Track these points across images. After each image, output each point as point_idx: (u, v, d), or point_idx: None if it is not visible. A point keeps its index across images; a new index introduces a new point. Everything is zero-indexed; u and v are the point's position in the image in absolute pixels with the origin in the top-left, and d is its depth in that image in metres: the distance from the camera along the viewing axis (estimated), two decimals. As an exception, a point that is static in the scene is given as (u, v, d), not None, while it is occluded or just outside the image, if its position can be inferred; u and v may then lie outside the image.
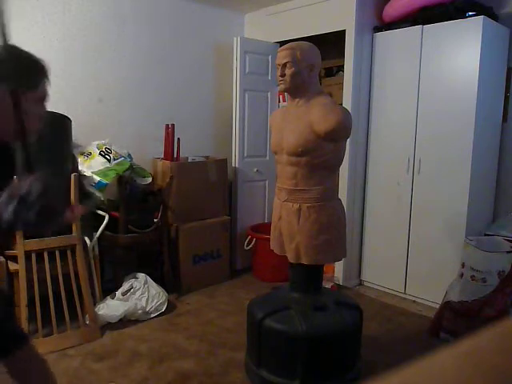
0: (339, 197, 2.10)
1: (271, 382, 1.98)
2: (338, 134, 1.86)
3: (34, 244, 2.40)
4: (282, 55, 1.93)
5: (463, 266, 2.51)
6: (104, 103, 3.08)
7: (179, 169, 3.20)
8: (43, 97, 1.14)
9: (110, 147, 2.87)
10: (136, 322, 2.69)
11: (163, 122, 3.26)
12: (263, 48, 3.65)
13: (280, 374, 1.97)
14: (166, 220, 3.12)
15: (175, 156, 3.26)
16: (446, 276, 2.76)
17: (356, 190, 3.29)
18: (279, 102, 4.07)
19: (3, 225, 0.99)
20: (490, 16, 2.69)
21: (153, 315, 2.76)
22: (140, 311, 2.71)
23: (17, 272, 2.37)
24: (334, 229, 1.98)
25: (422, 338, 2.55)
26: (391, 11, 3.05)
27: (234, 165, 3.64)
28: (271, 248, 2.16)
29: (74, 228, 2.53)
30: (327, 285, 3.06)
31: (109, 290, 2.78)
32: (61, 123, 2.48)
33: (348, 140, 2.02)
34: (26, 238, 2.37)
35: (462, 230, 2.77)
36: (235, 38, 3.53)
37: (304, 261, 1.97)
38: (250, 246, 3.48)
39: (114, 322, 2.61)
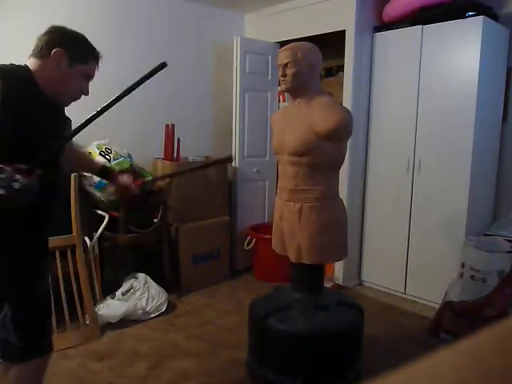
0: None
1: (273, 381, 1.98)
2: (338, 134, 1.85)
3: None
4: (283, 55, 1.93)
5: (463, 265, 2.51)
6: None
7: (179, 169, 3.20)
8: (89, 73, 1.46)
9: (109, 147, 2.87)
10: (136, 322, 2.69)
11: (163, 122, 3.26)
12: (263, 48, 3.65)
13: (282, 373, 1.97)
14: (166, 220, 3.12)
15: (175, 156, 3.27)
16: (446, 276, 2.76)
17: (356, 190, 3.29)
18: (279, 101, 4.08)
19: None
20: (489, 16, 2.69)
21: (153, 315, 2.76)
22: (140, 311, 2.71)
23: (17, 272, 2.37)
24: (336, 228, 1.97)
25: (422, 337, 2.55)
26: (391, 11, 3.05)
27: (234, 165, 3.64)
28: (273, 248, 2.16)
29: (73, 228, 2.53)
30: (328, 285, 3.06)
31: (109, 290, 2.78)
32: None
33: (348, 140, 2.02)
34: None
35: (462, 229, 2.77)
36: (235, 38, 3.53)
37: (305, 260, 1.97)
38: (250, 246, 3.48)
39: (113, 322, 2.61)
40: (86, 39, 1.47)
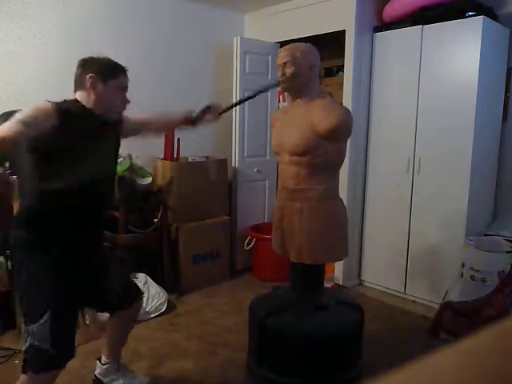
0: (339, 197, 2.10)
1: (273, 381, 1.98)
2: (339, 133, 1.86)
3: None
4: (282, 55, 1.94)
5: (463, 265, 2.51)
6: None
7: (179, 169, 3.20)
8: (122, 85, 1.69)
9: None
10: (136, 321, 2.69)
11: (163, 122, 3.26)
12: (263, 48, 3.64)
13: (281, 373, 1.97)
14: (165, 220, 3.12)
15: (175, 156, 3.27)
16: (445, 276, 2.76)
17: (356, 190, 3.29)
18: (279, 101, 4.08)
19: None
20: (489, 16, 2.69)
21: (153, 315, 2.76)
22: (140, 311, 2.70)
23: (17, 272, 2.37)
24: (336, 228, 1.98)
25: (422, 337, 2.55)
26: (391, 11, 3.05)
27: (234, 165, 3.63)
28: (272, 248, 2.16)
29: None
30: (327, 285, 3.06)
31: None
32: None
33: (348, 140, 2.02)
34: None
35: (462, 229, 2.77)
36: (235, 38, 3.53)
37: (305, 260, 1.97)
38: (250, 246, 3.48)
39: (114, 321, 2.61)
40: (109, 59, 1.68)
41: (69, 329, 1.65)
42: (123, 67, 1.71)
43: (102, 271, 1.82)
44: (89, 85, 1.60)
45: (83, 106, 1.62)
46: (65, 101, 1.61)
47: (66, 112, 1.53)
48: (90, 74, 1.60)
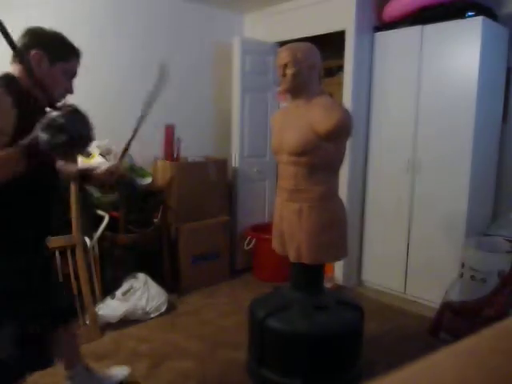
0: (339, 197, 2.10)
1: (272, 381, 1.98)
2: (338, 134, 1.86)
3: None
4: (283, 56, 1.93)
5: (463, 266, 2.51)
6: (103, 103, 3.08)
7: (179, 169, 3.20)
8: (71, 70, 1.47)
9: (110, 147, 2.87)
10: (136, 322, 2.69)
11: (163, 122, 3.26)
12: (263, 48, 3.64)
13: (281, 373, 1.97)
14: (165, 220, 3.12)
15: (175, 156, 3.27)
16: (446, 276, 2.76)
17: (356, 190, 3.29)
18: (280, 102, 4.07)
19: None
20: (489, 16, 2.69)
21: (153, 315, 2.76)
22: (140, 311, 2.71)
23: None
24: (335, 228, 1.98)
25: (421, 338, 2.55)
26: (391, 11, 3.05)
27: (234, 165, 3.64)
28: (273, 248, 2.17)
29: (73, 228, 2.53)
30: (327, 285, 3.06)
31: (109, 290, 2.78)
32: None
33: (348, 140, 2.02)
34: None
35: (462, 229, 2.77)
36: (235, 38, 3.53)
37: (305, 260, 1.97)
38: (250, 246, 3.48)
39: (114, 321, 2.61)
40: (64, 37, 1.47)
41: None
42: (78, 50, 1.48)
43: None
44: (32, 61, 1.36)
45: (26, 88, 1.37)
46: (9, 80, 1.36)
47: (18, 98, 1.31)
48: (36, 50, 1.37)
